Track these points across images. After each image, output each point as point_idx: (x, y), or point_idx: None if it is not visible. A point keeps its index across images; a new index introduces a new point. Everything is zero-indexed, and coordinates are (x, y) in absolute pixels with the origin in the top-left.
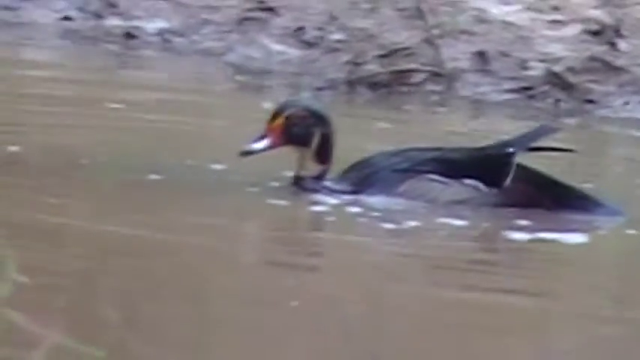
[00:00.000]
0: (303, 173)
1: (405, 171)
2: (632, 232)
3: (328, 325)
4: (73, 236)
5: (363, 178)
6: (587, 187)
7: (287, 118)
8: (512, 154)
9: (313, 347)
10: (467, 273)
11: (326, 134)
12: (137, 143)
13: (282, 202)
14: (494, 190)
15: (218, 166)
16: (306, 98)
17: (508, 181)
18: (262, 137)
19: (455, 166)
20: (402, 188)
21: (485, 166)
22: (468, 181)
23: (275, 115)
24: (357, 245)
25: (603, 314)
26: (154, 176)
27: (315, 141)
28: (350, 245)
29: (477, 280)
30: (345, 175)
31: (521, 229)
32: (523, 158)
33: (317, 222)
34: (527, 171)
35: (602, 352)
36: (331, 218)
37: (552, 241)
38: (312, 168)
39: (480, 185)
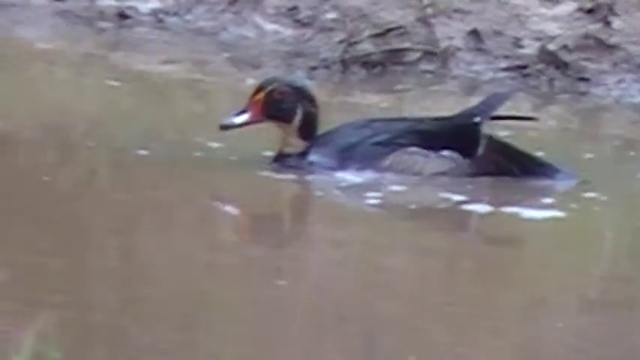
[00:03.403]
0: (287, 150)
1: (387, 144)
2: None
3: (320, 305)
4: (61, 214)
5: (344, 152)
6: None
7: (268, 93)
8: (479, 123)
9: (306, 327)
10: (456, 251)
11: (309, 111)
12: (133, 120)
13: (270, 179)
14: (469, 160)
15: (214, 144)
16: (293, 75)
17: (480, 150)
18: (243, 111)
19: (431, 137)
20: (387, 162)
21: (458, 137)
22: (445, 152)
23: (258, 90)
24: (347, 222)
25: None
26: (143, 152)
27: (298, 117)
28: (341, 221)
29: (467, 260)
30: (321, 149)
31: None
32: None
33: (306, 199)
34: (493, 140)
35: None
36: (320, 194)
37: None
38: (296, 144)
39: (456, 156)
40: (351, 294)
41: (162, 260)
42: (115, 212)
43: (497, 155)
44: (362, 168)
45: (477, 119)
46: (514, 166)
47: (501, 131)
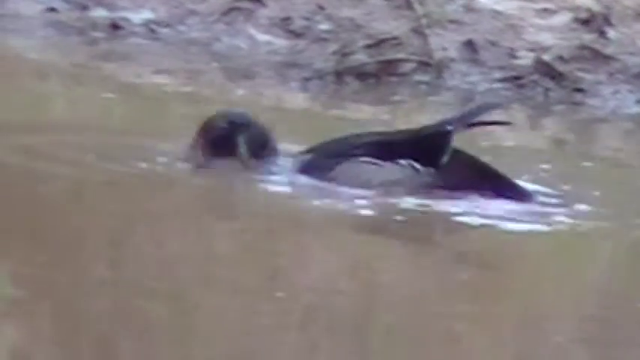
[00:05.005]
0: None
1: (337, 156)
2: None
3: (320, 318)
4: (55, 227)
5: (305, 163)
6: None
7: (205, 134)
8: (450, 131)
9: (304, 341)
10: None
11: (249, 135)
12: (127, 132)
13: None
14: (431, 170)
15: None
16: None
17: (444, 159)
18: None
19: (389, 147)
20: (333, 173)
21: (422, 145)
22: (402, 161)
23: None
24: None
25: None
26: (137, 163)
27: (242, 146)
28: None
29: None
30: (296, 159)
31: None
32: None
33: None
34: (468, 157)
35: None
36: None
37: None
38: (258, 163)
39: (415, 164)
40: (349, 305)
41: (155, 272)
42: (110, 225)
43: (466, 169)
44: (312, 181)
45: (449, 127)
46: (485, 185)
47: (501, 141)
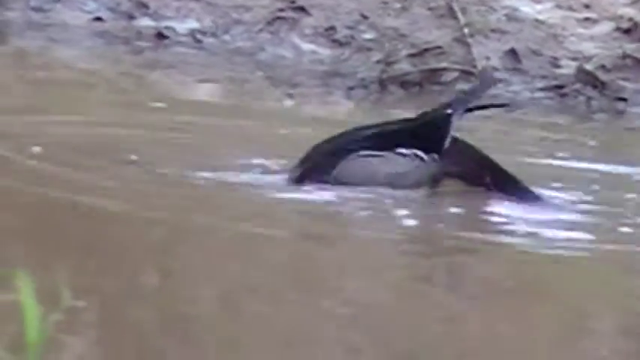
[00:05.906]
0: None
1: (336, 153)
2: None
3: (370, 328)
4: (106, 235)
5: (305, 162)
6: None
7: None
8: (450, 115)
9: (353, 349)
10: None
11: None
12: (174, 141)
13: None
14: (435, 156)
15: (256, 160)
16: None
17: (447, 143)
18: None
19: (389, 138)
20: (335, 171)
21: (422, 132)
22: (404, 150)
23: None
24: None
25: None
26: (182, 171)
27: None
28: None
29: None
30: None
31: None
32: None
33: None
34: (460, 142)
35: None
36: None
37: None
38: None
39: (419, 153)
40: (393, 312)
41: (203, 280)
42: (157, 233)
43: (465, 158)
44: (312, 179)
45: (449, 110)
46: (487, 177)
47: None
